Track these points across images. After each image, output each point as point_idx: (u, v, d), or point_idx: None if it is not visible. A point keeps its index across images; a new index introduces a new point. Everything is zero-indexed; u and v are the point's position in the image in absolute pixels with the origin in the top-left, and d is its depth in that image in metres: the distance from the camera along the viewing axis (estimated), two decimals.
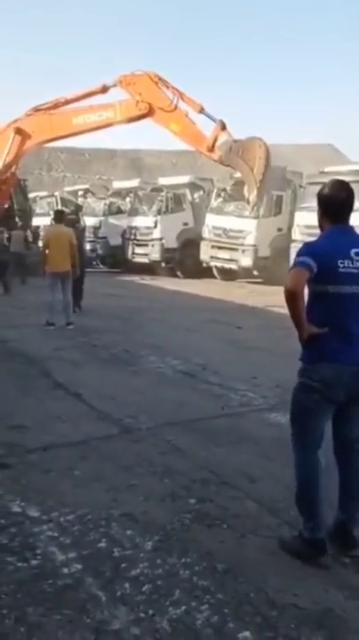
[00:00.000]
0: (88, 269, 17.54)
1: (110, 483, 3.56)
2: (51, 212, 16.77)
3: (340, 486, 2.96)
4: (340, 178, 3.15)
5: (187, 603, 2.45)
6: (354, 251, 2.75)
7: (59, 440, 4.27)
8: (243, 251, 17.40)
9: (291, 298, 2.75)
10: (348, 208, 2.89)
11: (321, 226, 2.97)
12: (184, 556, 2.80)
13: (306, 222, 16.58)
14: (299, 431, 2.91)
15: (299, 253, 2.80)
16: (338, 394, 2.82)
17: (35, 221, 19.51)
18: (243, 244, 17.41)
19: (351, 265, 2.73)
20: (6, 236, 14.66)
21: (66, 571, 2.64)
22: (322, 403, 2.83)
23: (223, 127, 16.12)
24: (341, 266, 2.72)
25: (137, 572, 2.65)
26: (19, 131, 17.07)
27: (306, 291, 2.78)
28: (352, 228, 2.90)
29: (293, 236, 16.75)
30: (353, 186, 2.95)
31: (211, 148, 16.17)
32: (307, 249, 2.81)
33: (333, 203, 2.88)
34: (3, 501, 3.28)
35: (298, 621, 2.36)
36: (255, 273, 17.69)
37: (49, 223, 13.42)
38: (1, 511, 3.16)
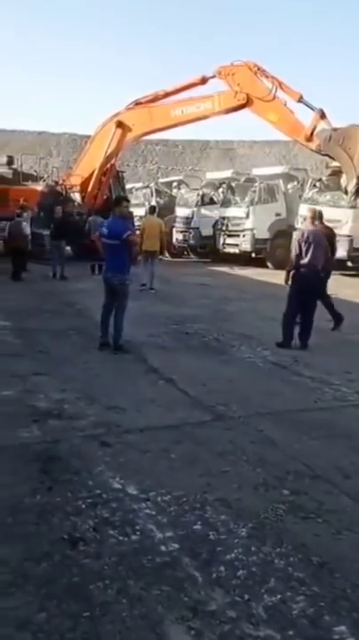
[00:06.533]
0: (179, 259, 17.80)
1: (204, 467, 3.63)
2: (146, 203, 19.25)
3: (113, 324, 6.76)
4: None
5: (282, 592, 2.46)
6: (118, 224, 6.72)
7: (154, 422, 4.40)
8: (338, 241, 16.79)
9: (92, 244, 8.01)
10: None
11: (113, 212, 7.08)
12: (278, 545, 2.80)
13: None
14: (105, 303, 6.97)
15: (100, 225, 7.94)
16: (107, 288, 6.81)
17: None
18: (337, 235, 16.81)
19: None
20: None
21: (164, 549, 2.73)
22: (106, 291, 6.85)
23: (322, 116, 15.66)
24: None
25: (232, 557, 2.69)
26: (120, 124, 17.52)
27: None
28: (121, 215, 7.05)
29: None
30: None
31: (310, 137, 15.76)
32: (103, 224, 7.14)
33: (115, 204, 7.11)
34: (105, 477, 3.43)
35: None
36: (349, 264, 17.07)
37: (144, 213, 14.78)
38: (103, 486, 3.32)
